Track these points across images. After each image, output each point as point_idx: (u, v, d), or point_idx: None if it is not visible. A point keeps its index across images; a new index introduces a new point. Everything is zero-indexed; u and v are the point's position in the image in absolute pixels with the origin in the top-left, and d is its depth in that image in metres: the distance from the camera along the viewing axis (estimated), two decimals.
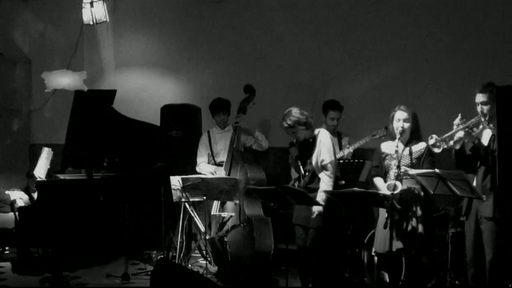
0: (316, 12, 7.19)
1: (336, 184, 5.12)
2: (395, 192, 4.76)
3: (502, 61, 6.40)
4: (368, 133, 5.98)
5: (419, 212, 4.92)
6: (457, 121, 4.66)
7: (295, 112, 5.09)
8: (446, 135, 4.66)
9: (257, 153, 6.74)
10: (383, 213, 5.00)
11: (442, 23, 6.73)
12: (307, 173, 5.10)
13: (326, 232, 5.03)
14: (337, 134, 6.23)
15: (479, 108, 4.70)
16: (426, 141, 4.79)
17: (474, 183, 4.67)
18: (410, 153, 5.00)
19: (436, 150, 4.66)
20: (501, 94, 3.60)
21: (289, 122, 5.06)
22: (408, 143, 5.03)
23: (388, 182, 4.97)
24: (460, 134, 4.64)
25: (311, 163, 5.09)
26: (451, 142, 4.69)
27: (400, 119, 4.98)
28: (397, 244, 4.85)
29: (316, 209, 4.94)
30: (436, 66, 6.72)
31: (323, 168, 5.02)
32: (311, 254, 5.05)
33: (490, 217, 4.58)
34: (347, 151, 6.03)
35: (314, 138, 5.12)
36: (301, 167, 5.10)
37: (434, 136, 4.66)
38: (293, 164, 5.32)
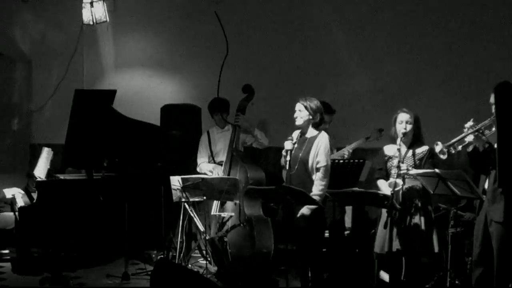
0: (315, 13, 7.20)
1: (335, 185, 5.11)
2: (396, 189, 4.76)
3: (507, 61, 6.38)
4: (362, 136, 5.97)
5: (421, 209, 4.93)
6: (468, 124, 4.58)
7: (319, 102, 5.06)
8: (454, 140, 4.59)
9: (257, 152, 6.73)
10: (384, 214, 5.01)
11: (441, 23, 6.73)
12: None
13: (309, 234, 5.00)
14: None
15: (493, 109, 4.52)
16: (429, 145, 4.77)
17: (486, 185, 4.64)
18: (413, 154, 5.01)
19: (442, 157, 4.62)
20: (501, 91, 3.58)
21: (311, 105, 5.01)
22: (410, 146, 5.05)
23: (389, 181, 4.99)
24: (470, 138, 4.57)
25: (302, 161, 5.04)
26: (460, 147, 4.62)
27: (402, 121, 5.01)
28: (397, 244, 4.85)
29: (302, 211, 4.91)
30: (435, 67, 6.72)
31: (317, 170, 4.98)
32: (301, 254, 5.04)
33: (500, 221, 4.51)
34: (346, 152, 6.01)
35: (313, 139, 5.08)
36: (288, 163, 5.02)
37: (440, 143, 4.61)
38: (283, 159, 5.21)
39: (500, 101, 3.65)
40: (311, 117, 5.03)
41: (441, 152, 4.59)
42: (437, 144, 4.62)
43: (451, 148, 4.59)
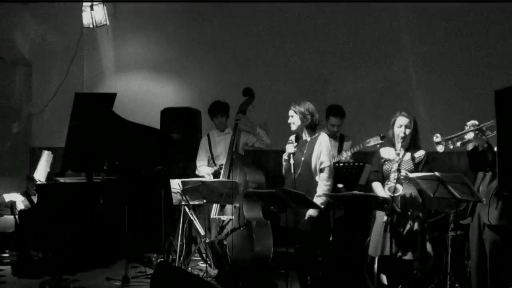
0: (317, 14, 7.21)
1: (335, 187, 5.10)
2: (395, 194, 4.76)
3: (507, 62, 6.38)
4: (365, 139, 5.97)
5: (416, 216, 4.92)
6: (470, 122, 4.57)
7: (310, 105, 5.08)
8: (454, 135, 4.59)
9: (257, 155, 6.73)
10: (379, 217, 5.00)
11: (442, 25, 6.73)
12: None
13: (315, 237, 5.00)
14: (339, 137, 6.22)
15: None
16: (428, 147, 4.75)
17: (481, 185, 4.63)
18: (412, 158, 5.00)
19: (439, 149, 4.60)
20: (500, 96, 3.58)
21: (300, 109, 5.03)
22: (408, 149, 5.03)
23: (389, 185, 4.97)
24: (470, 136, 4.56)
25: (306, 163, 5.05)
26: (458, 144, 4.63)
27: (401, 125, 4.96)
28: (393, 248, 4.84)
29: (310, 213, 4.92)
30: (438, 69, 6.72)
31: (321, 171, 5.00)
32: (302, 258, 5.04)
33: (492, 224, 4.50)
34: (345, 155, 6.01)
35: (313, 140, 5.09)
36: (292, 166, 5.04)
37: (439, 135, 4.62)
38: (285, 163, 5.23)
39: (501, 107, 3.65)
40: (302, 121, 5.07)
41: (439, 143, 4.58)
42: (436, 137, 4.61)
43: (449, 142, 4.58)
